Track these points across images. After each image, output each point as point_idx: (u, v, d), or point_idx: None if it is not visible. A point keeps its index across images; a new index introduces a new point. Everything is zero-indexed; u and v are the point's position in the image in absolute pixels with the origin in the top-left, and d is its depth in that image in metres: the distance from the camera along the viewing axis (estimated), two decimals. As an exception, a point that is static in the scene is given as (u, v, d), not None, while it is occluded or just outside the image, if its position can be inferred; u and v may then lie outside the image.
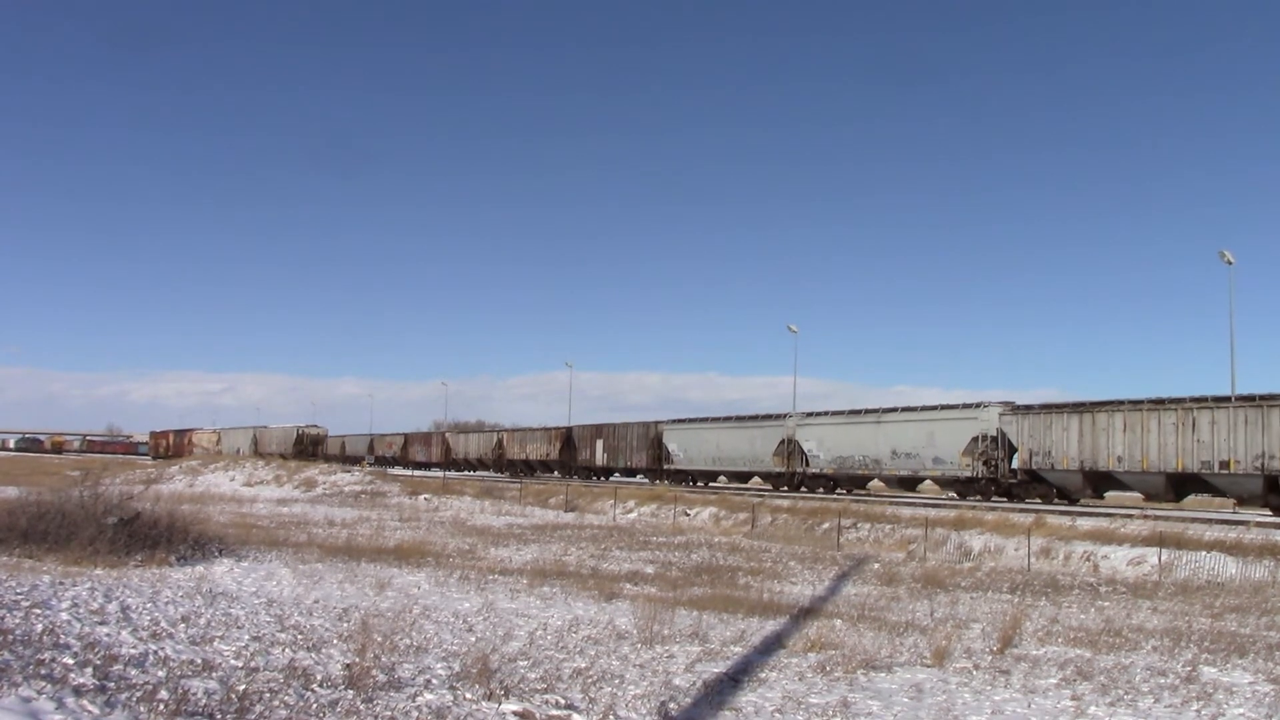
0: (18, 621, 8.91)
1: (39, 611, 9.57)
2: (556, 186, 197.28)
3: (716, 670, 9.12)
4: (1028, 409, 33.81)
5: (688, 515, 34.41)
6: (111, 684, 6.92)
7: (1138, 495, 32.04)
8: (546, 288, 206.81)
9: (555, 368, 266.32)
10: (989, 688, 8.91)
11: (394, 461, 76.82)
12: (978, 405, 35.46)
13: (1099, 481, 31.58)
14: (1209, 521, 24.26)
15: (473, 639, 10.02)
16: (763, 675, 9.04)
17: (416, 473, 65.45)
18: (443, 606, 12.45)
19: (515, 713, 7.12)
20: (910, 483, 39.14)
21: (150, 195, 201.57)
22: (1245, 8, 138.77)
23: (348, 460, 71.32)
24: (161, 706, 6.40)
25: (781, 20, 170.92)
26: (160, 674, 7.39)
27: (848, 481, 40.69)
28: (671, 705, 7.71)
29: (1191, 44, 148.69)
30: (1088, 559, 22.34)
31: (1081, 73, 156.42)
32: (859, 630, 11.95)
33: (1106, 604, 15.98)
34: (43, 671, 7.01)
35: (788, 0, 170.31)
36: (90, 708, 6.25)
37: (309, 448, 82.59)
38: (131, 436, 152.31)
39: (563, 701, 7.54)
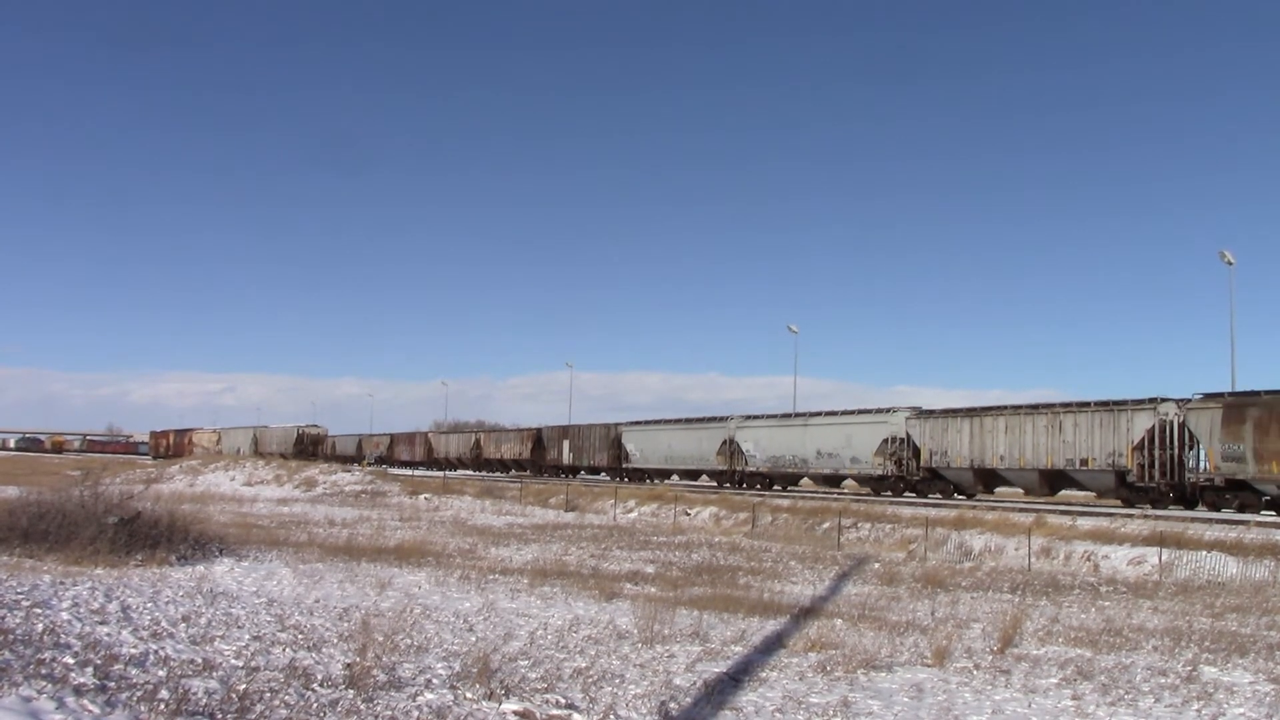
0: (18, 621, 8.91)
1: (39, 611, 9.57)
2: (556, 186, 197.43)
3: (717, 670, 9.11)
4: (929, 413, 37.18)
5: (688, 515, 34.41)
6: (112, 683, 6.92)
7: (1020, 490, 35.02)
8: (546, 288, 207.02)
9: (556, 368, 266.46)
10: (989, 687, 8.91)
11: (380, 461, 77.97)
12: (888, 410, 39.08)
13: (987, 478, 34.81)
14: (1209, 521, 24.27)
15: (473, 639, 10.02)
16: (763, 675, 9.03)
17: (417, 473, 65.97)
18: (443, 606, 12.45)
19: (516, 712, 7.12)
20: (834, 480, 42.15)
21: (150, 195, 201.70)
22: (1245, 8, 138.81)
23: (338, 459, 71.90)
24: (162, 706, 6.40)
25: (781, 20, 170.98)
26: (161, 673, 7.39)
27: (781, 479, 44.04)
28: (672, 705, 7.71)
29: (1191, 44, 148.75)
30: (1088, 559, 22.34)
31: (1081, 72, 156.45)
32: (859, 630, 11.94)
33: (1107, 604, 15.97)
34: (43, 671, 7.01)
35: (787, 0, 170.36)
36: (91, 707, 6.26)
37: (309, 447, 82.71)
38: (132, 436, 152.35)
39: (563, 701, 7.54)
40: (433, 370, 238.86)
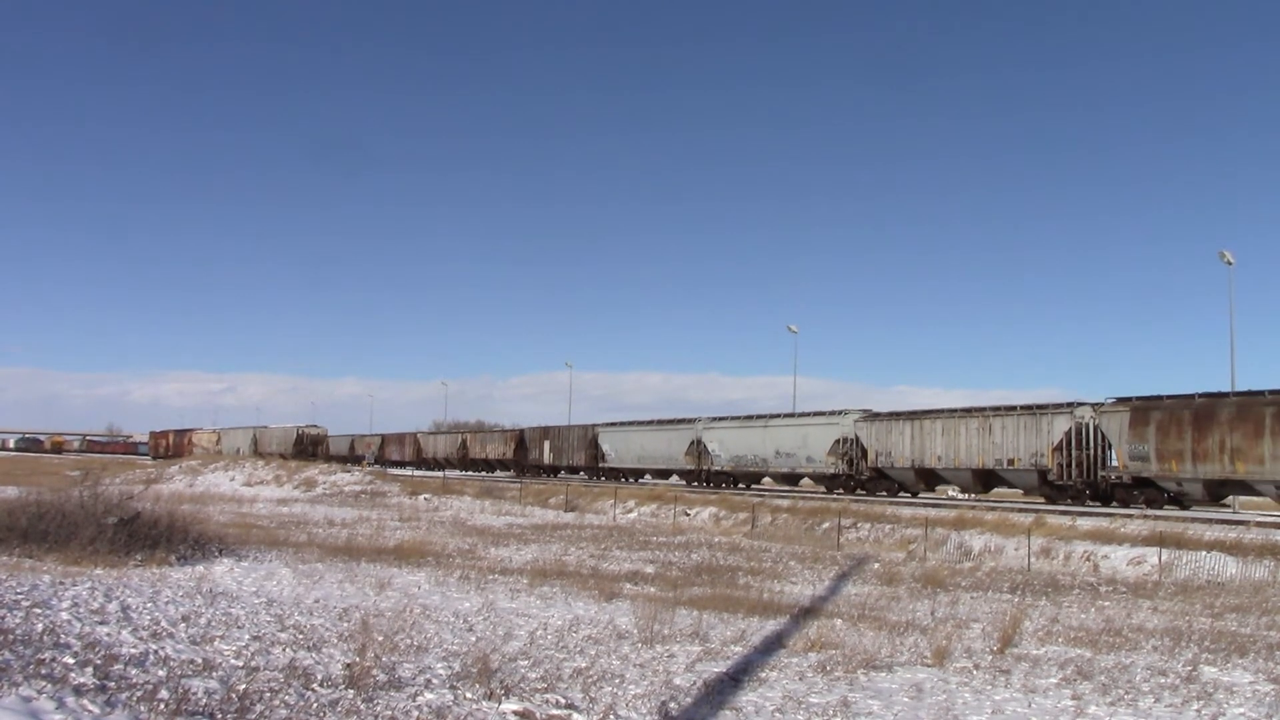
0: (18, 621, 8.91)
1: (39, 611, 9.56)
2: (556, 186, 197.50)
3: (717, 670, 9.11)
4: (876, 416, 39.28)
5: (688, 515, 34.41)
6: (112, 683, 6.91)
7: (956, 488, 37.24)
8: (546, 288, 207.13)
9: (557, 368, 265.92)
10: (989, 687, 8.91)
11: (373, 461, 78.50)
12: (840, 413, 41.22)
13: (927, 477, 37.12)
14: (1209, 521, 24.27)
15: (473, 639, 10.02)
16: (763, 675, 9.03)
17: (416, 473, 66.38)
18: (443, 606, 12.45)
19: (515, 712, 7.12)
20: (792, 478, 44.01)
21: (150, 195, 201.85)
22: (1245, 8, 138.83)
23: (332, 459, 72.26)
24: (162, 706, 6.40)
25: (780, 20, 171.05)
26: (160, 673, 7.39)
27: (744, 477, 46.07)
28: (672, 705, 7.71)
29: (1191, 44, 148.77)
30: (1088, 559, 22.34)
31: (1081, 72, 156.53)
32: (859, 630, 11.94)
33: (1107, 604, 15.97)
34: (43, 671, 7.00)
35: (787, 0, 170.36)
36: (91, 707, 6.25)
37: (309, 448, 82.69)
38: (131, 436, 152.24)
39: (563, 701, 7.54)
40: (433, 370, 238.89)
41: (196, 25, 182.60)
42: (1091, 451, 31.02)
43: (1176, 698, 8.64)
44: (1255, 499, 29.27)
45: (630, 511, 36.31)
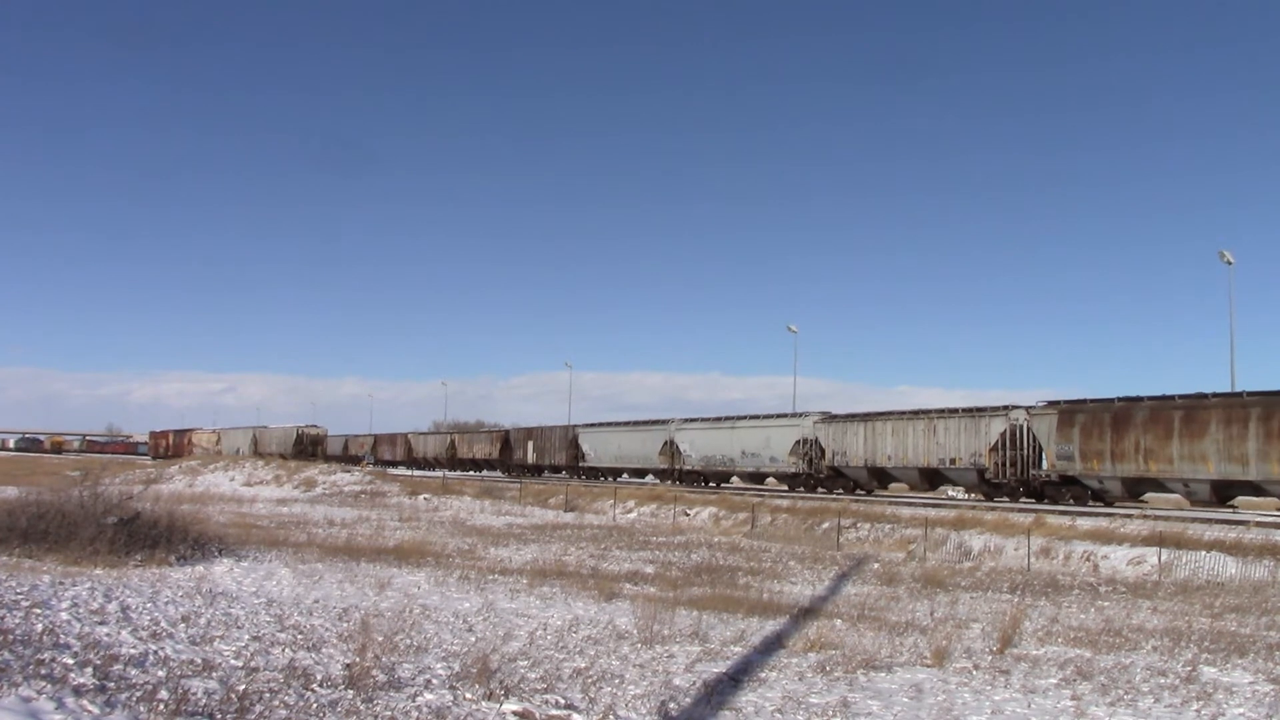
0: (18, 621, 8.90)
1: (39, 611, 9.56)
2: (556, 186, 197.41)
3: (716, 670, 9.11)
4: (834, 418, 41.45)
5: (687, 515, 34.40)
6: (111, 684, 6.91)
7: (905, 485, 39.07)
8: (546, 288, 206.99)
9: (557, 368, 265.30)
10: (989, 688, 8.91)
11: (370, 461, 78.86)
12: (800, 415, 43.65)
13: (879, 476, 39.03)
14: (1209, 521, 24.26)
15: (473, 639, 10.02)
16: (763, 675, 9.03)
17: (417, 473, 66.55)
18: (443, 606, 12.44)
19: (515, 713, 7.12)
20: (757, 477, 45.84)
21: (150, 195, 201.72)
22: (1245, 8, 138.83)
23: (330, 459, 72.51)
24: (161, 706, 6.40)
25: (780, 20, 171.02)
26: (160, 674, 7.39)
27: (713, 476, 47.80)
28: (671, 705, 7.71)
29: (1191, 44, 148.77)
30: (1087, 559, 22.33)
31: (1081, 72, 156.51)
32: (859, 630, 11.94)
33: (1106, 604, 15.97)
34: (43, 671, 7.00)
35: (787, 0, 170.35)
36: (90, 707, 6.25)
37: (309, 448, 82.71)
38: (131, 436, 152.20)
39: (563, 701, 7.54)
40: (433, 370, 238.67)
41: (197, 25, 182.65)
42: (1024, 452, 33.05)
43: (1176, 698, 8.63)
44: (1168, 495, 31.30)
45: (630, 511, 36.30)
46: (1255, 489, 27.60)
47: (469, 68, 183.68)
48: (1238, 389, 29.51)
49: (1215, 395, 28.45)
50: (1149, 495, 31.49)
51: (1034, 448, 32.75)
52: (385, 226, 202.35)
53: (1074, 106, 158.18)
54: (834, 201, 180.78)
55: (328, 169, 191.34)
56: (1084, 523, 25.03)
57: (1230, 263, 39.91)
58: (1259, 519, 24.73)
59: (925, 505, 31.43)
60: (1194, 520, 24.51)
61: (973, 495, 36.06)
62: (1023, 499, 32.62)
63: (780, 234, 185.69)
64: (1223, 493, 28.13)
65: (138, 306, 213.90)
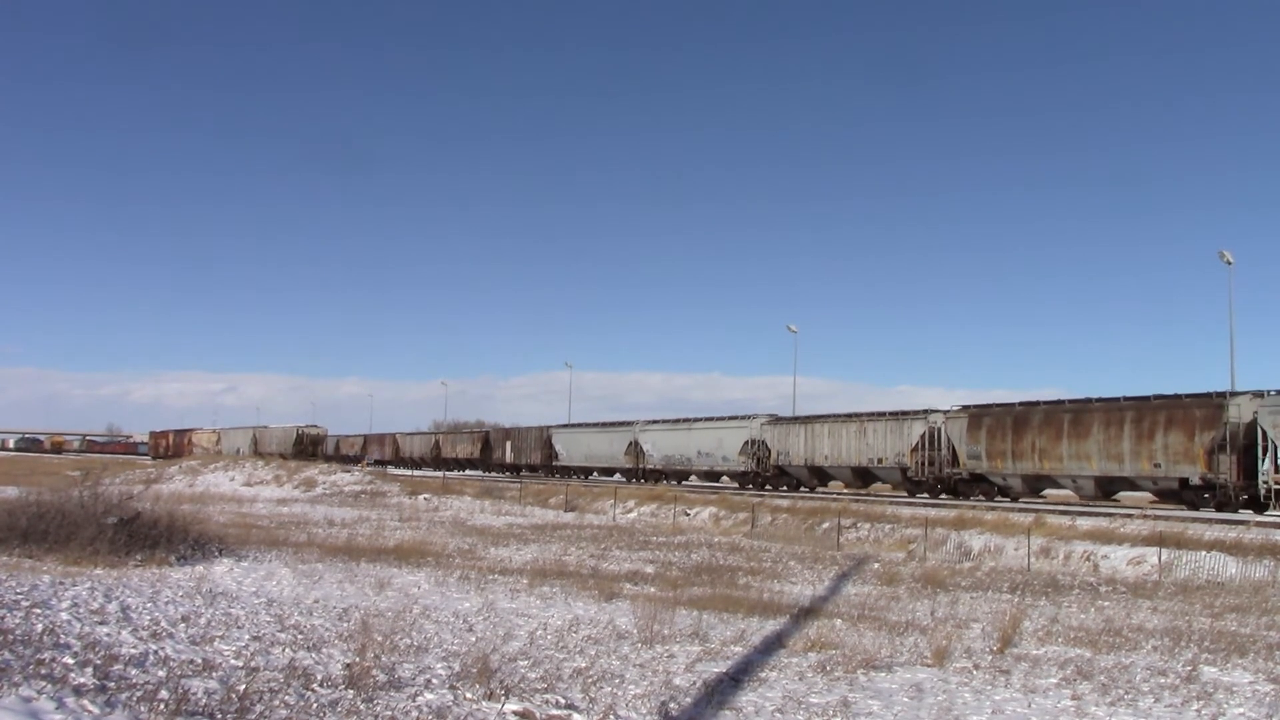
0: (18, 621, 8.91)
1: (39, 611, 9.56)
2: (556, 186, 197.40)
3: (717, 670, 9.11)
4: (778, 420, 44.55)
5: (688, 515, 34.40)
6: (111, 684, 6.91)
7: (841, 483, 41.83)
8: (546, 288, 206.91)
9: (557, 368, 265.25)
10: (989, 687, 8.91)
11: (354, 460, 79.39)
12: (749, 417, 46.12)
13: (818, 474, 42.19)
14: (1209, 521, 24.27)
15: (473, 639, 10.02)
16: (763, 675, 9.03)
17: (417, 473, 66.82)
18: (443, 606, 12.44)
19: (515, 712, 7.12)
20: (712, 475, 48.78)
21: (150, 195, 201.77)
22: (1245, 8, 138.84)
23: (329, 459, 72.80)
24: (162, 706, 6.40)
25: (781, 20, 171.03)
26: (160, 674, 7.39)
27: (673, 475, 50.17)
28: (672, 705, 7.71)
29: (1191, 44, 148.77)
30: (1088, 559, 22.33)
31: (1081, 73, 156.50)
32: (859, 630, 11.94)
33: (1106, 604, 15.97)
34: (43, 671, 7.00)
35: (787, 0, 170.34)
36: (90, 707, 6.25)
37: (309, 448, 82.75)
38: (131, 436, 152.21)
39: (563, 701, 7.54)
40: (433, 370, 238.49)
41: (197, 25, 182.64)
42: (941, 452, 35.89)
43: (1176, 698, 8.63)
44: (1061, 490, 34.24)
45: (630, 511, 36.30)
46: (1130, 484, 30.79)
47: (469, 68, 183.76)
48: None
49: (1098, 400, 31.81)
50: (1047, 491, 34.62)
51: (949, 448, 35.51)
52: (385, 226, 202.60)
53: (1074, 107, 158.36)
54: (834, 201, 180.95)
55: (328, 169, 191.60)
56: (1084, 523, 25.03)
57: (1230, 263, 39.89)
58: (1258, 519, 24.73)
59: (925, 505, 31.44)
60: (1194, 520, 24.51)
61: (896, 491, 39.00)
62: (941, 495, 35.32)
63: (780, 234, 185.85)
64: (1105, 488, 31.41)
65: (138, 306, 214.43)
